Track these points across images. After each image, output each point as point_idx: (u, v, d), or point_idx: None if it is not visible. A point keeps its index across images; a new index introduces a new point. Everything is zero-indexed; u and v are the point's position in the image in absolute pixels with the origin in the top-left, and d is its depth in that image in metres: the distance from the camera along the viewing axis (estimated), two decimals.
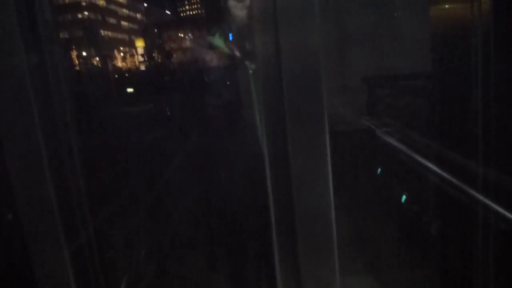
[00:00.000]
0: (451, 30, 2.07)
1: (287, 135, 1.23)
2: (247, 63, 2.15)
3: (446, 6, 2.15)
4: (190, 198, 3.68)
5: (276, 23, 1.18)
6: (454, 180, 2.05)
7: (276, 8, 1.17)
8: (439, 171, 2.20)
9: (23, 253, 1.39)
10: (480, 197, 1.83)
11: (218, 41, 2.60)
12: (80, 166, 1.66)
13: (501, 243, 1.82)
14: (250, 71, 2.07)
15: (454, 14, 2.08)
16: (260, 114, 1.26)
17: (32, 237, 1.39)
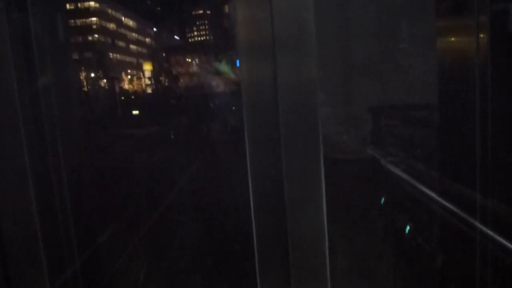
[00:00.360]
0: (458, 61, 2.10)
1: (282, 162, 1.24)
2: None
3: (452, 39, 2.18)
4: (185, 227, 3.65)
5: (273, 51, 1.20)
6: (459, 211, 2.03)
7: (274, 36, 1.20)
8: (443, 201, 2.18)
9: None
10: (488, 230, 1.82)
11: (224, 67, 2.63)
12: (71, 191, 1.65)
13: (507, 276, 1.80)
14: None
15: (460, 46, 2.11)
16: (255, 140, 1.27)
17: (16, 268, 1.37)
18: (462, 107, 1.97)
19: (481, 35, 1.78)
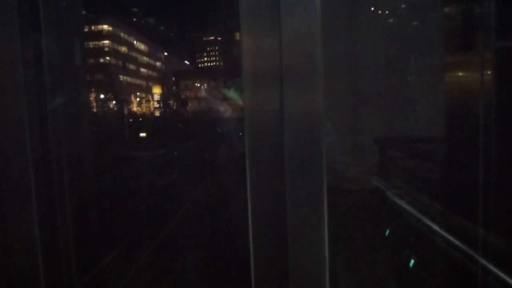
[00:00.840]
0: (464, 96, 2.12)
1: (285, 189, 1.24)
2: None
3: (459, 74, 2.21)
4: (182, 253, 3.63)
5: (281, 82, 1.23)
6: (461, 244, 2.02)
7: (283, 67, 1.22)
8: (446, 235, 2.18)
9: None
10: (488, 264, 1.80)
11: (233, 94, 2.67)
12: (75, 211, 1.65)
13: None
14: None
15: (466, 82, 2.14)
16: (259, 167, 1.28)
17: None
18: (467, 141, 1.99)
19: (486, 71, 1.82)
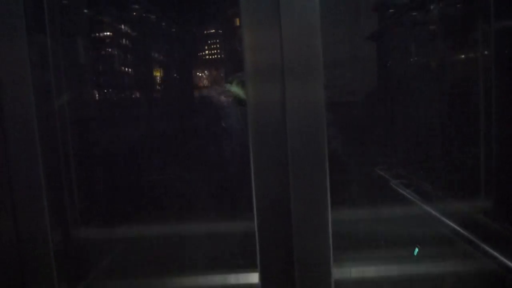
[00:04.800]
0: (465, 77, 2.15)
1: (289, 180, 1.27)
2: None
3: (460, 55, 2.21)
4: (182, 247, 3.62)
5: (283, 75, 1.25)
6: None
7: (284, 61, 1.25)
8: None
9: None
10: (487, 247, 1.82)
11: (235, 88, 2.68)
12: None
13: None
14: None
15: (467, 62, 2.15)
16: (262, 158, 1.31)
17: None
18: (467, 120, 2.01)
19: (486, 52, 1.83)
